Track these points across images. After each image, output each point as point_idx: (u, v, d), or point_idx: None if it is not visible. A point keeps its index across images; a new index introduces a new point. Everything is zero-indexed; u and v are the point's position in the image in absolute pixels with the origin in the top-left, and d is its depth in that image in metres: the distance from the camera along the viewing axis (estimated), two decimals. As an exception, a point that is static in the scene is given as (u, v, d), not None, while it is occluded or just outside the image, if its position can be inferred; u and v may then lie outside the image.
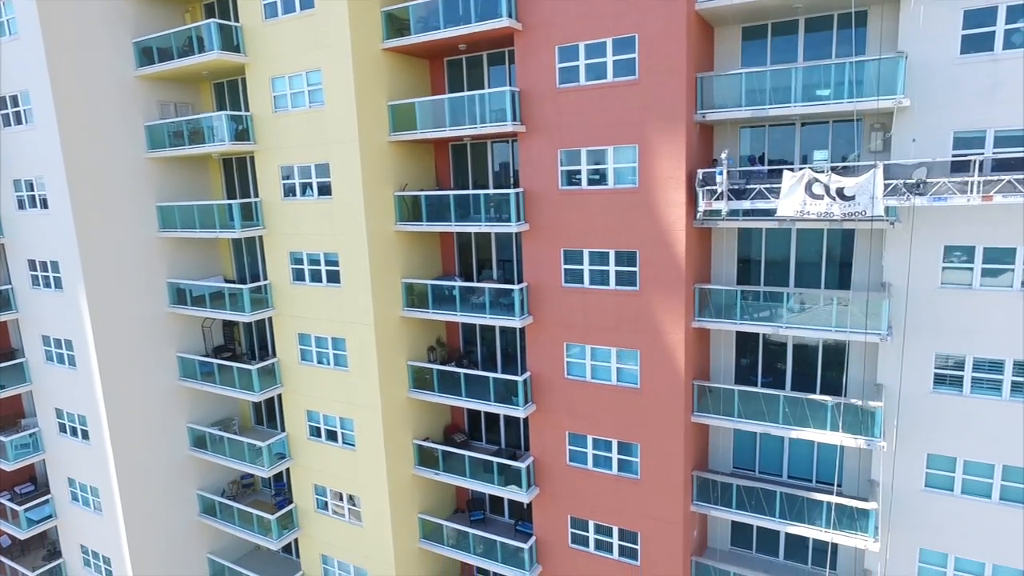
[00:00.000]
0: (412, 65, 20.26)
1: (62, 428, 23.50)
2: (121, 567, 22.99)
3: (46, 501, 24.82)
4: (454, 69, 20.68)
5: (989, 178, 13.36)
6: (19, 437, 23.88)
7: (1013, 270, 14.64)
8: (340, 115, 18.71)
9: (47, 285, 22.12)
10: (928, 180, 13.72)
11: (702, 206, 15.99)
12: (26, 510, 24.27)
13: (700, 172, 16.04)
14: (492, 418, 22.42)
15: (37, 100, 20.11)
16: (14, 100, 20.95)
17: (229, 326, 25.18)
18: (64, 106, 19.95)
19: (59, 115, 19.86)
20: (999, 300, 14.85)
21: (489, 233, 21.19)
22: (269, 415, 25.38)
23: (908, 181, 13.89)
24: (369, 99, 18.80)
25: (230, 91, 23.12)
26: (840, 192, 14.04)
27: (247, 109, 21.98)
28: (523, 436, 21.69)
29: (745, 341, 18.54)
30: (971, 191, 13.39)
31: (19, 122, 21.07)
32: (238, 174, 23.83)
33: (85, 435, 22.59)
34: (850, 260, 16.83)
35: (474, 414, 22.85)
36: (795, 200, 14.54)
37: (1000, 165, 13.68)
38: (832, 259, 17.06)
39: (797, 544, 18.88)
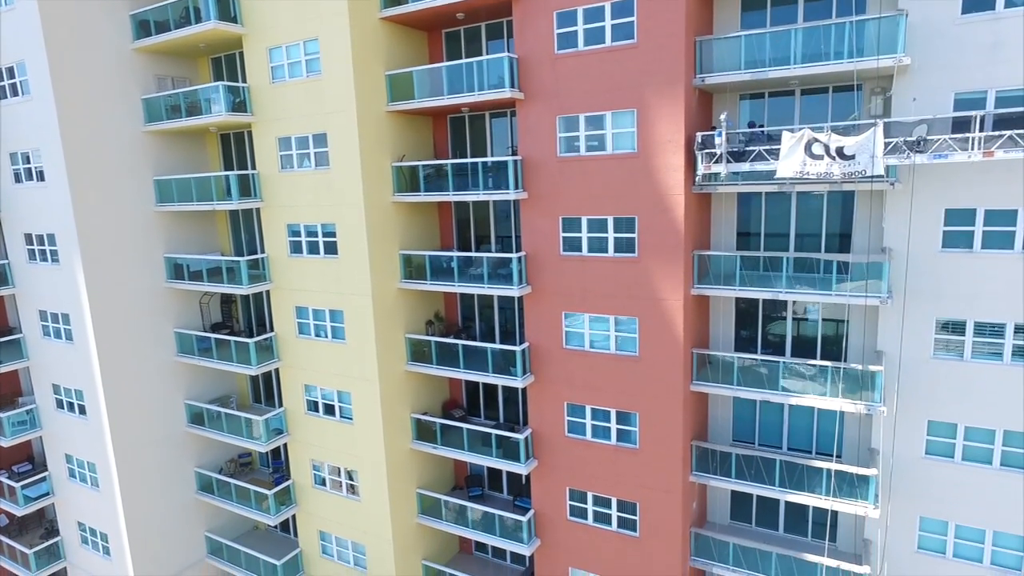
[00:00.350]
0: (410, 36, 20.15)
1: (59, 404, 23.41)
2: (119, 544, 22.90)
3: (43, 478, 24.76)
4: (452, 42, 20.56)
5: (990, 134, 13.25)
6: (16, 413, 23.83)
7: (1014, 232, 14.55)
8: (337, 84, 18.60)
9: (44, 259, 22.03)
10: (929, 137, 13.61)
11: (701, 169, 15.88)
12: (23, 487, 24.21)
13: (699, 135, 15.93)
14: (491, 394, 22.32)
15: (34, 71, 20.01)
16: (10, 71, 20.84)
17: (227, 303, 25.09)
18: (61, 78, 19.85)
19: (56, 87, 19.76)
20: (1000, 263, 14.74)
21: (487, 208, 21.07)
22: (267, 394, 25.29)
23: (908, 139, 13.77)
24: (367, 69, 18.69)
25: (228, 66, 23.00)
26: (840, 151, 13.91)
27: (244, 83, 21.86)
28: (521, 412, 21.58)
29: (745, 313, 18.43)
30: (972, 147, 13.28)
31: (15, 94, 20.97)
32: (236, 148, 23.72)
33: (82, 410, 22.51)
34: (850, 230, 16.71)
35: (472, 390, 22.75)
36: (795, 161, 14.42)
37: (1001, 122, 13.56)
38: (832, 227, 16.94)
39: (797, 517, 18.78)
